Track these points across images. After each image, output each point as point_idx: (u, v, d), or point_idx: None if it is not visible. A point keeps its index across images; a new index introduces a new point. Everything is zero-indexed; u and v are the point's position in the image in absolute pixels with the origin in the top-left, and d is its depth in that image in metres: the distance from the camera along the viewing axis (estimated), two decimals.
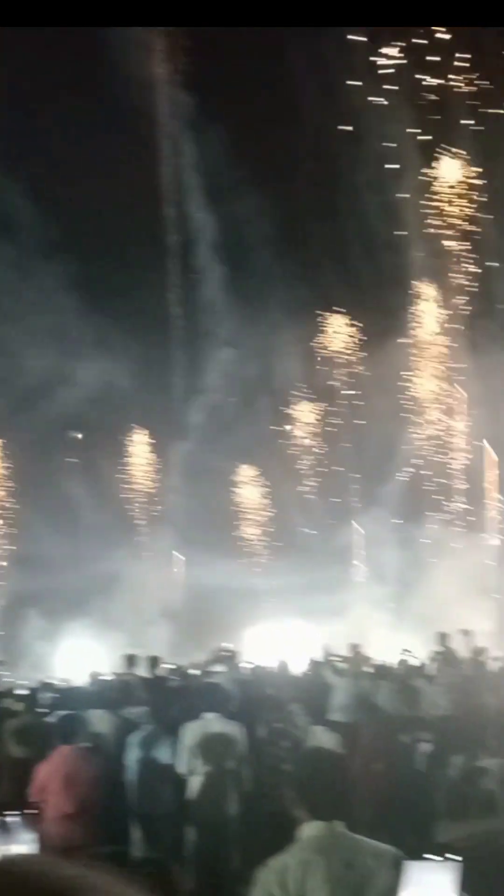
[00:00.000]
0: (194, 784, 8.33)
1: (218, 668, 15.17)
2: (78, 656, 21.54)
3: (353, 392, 31.78)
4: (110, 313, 28.02)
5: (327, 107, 27.59)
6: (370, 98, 28.41)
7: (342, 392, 32.07)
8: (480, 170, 29.69)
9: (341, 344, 31.65)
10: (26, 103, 28.60)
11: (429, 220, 30.09)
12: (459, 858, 2.32)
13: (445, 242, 30.35)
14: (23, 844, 3.71)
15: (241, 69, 29.39)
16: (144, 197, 30.94)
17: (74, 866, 1.01)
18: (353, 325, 31.39)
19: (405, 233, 29.43)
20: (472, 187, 30.09)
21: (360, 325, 31.13)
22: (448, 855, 2.33)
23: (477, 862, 9.48)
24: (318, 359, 31.59)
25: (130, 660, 15.23)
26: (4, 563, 31.00)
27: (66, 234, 29.06)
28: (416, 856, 2.33)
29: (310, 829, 3.59)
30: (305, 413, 32.34)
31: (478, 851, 10.05)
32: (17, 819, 3.88)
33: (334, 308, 31.08)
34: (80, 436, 32.08)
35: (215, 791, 8.19)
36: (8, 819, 3.86)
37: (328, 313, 31.32)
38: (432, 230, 30.19)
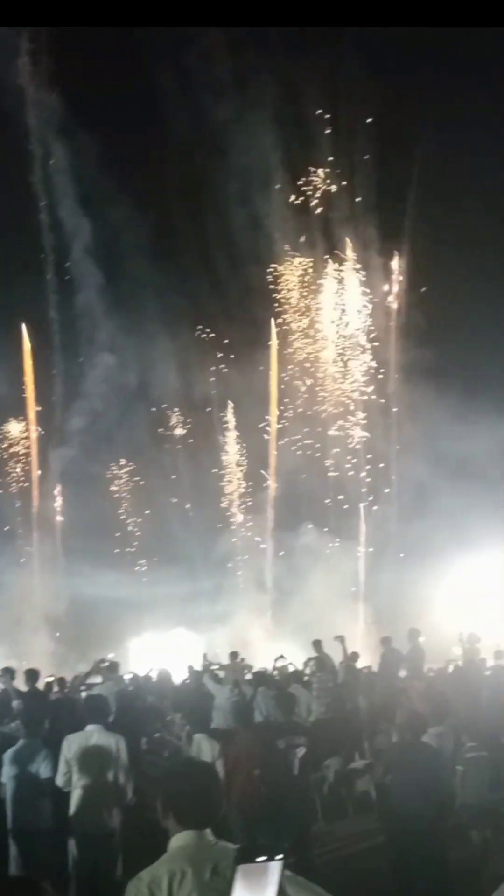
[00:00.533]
0: (73, 798, 8.35)
1: (99, 679, 15.13)
2: None
3: (225, 401, 32.28)
4: None
5: (194, 119, 28.04)
6: (236, 113, 28.98)
7: (215, 401, 32.54)
8: (343, 184, 30.62)
9: (213, 353, 32.09)
10: None
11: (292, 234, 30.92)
12: (280, 857, 2.51)
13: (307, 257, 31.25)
14: None
15: (111, 76, 29.49)
16: (18, 201, 30.75)
17: None
18: (222, 336, 31.86)
19: (269, 244, 30.21)
20: (332, 201, 31.03)
21: (229, 335, 31.63)
22: (277, 856, 2.50)
23: (353, 859, 9.82)
24: (192, 368, 31.90)
25: (8, 673, 15.03)
26: None
27: None
28: (249, 858, 2.49)
29: (178, 839, 3.68)
30: (182, 422, 32.58)
31: (352, 849, 10.42)
32: None
33: (204, 318, 31.47)
34: None
35: (94, 804, 8.21)
36: None
37: (200, 324, 31.71)
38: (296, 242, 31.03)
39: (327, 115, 29.71)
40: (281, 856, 2.47)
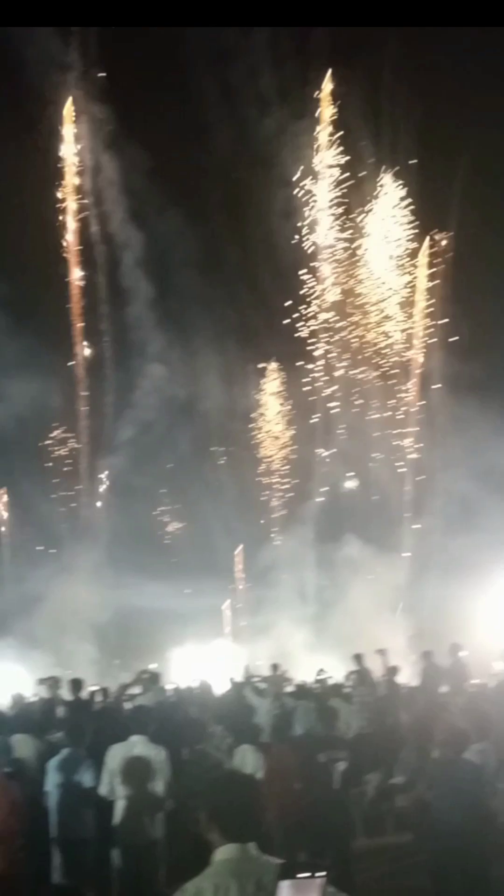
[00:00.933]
0: (116, 808, 8.44)
1: (141, 689, 15.23)
2: (1, 678, 21.30)
3: (270, 414, 32.43)
4: (37, 331, 28.02)
5: (237, 131, 28.24)
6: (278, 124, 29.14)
7: (260, 414, 32.70)
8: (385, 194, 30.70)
9: (259, 367, 32.31)
10: None
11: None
12: (322, 874, 2.54)
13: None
14: None
15: (158, 89, 29.82)
16: (69, 214, 31.19)
17: None
18: (268, 350, 32.06)
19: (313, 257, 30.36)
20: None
21: (275, 349, 31.81)
22: (319, 873, 2.54)
23: (393, 875, 9.82)
24: (238, 382, 32.09)
25: (54, 682, 15.22)
26: None
27: None
28: (291, 875, 2.52)
29: (223, 853, 3.69)
30: (227, 435, 32.75)
31: (393, 865, 10.41)
32: None
33: (250, 332, 31.63)
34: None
35: (137, 815, 8.30)
36: None
37: (247, 337, 31.86)
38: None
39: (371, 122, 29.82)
40: (323, 873, 2.51)
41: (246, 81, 27.88)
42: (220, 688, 16.65)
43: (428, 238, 30.79)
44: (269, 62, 28.13)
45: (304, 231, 30.89)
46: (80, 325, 31.81)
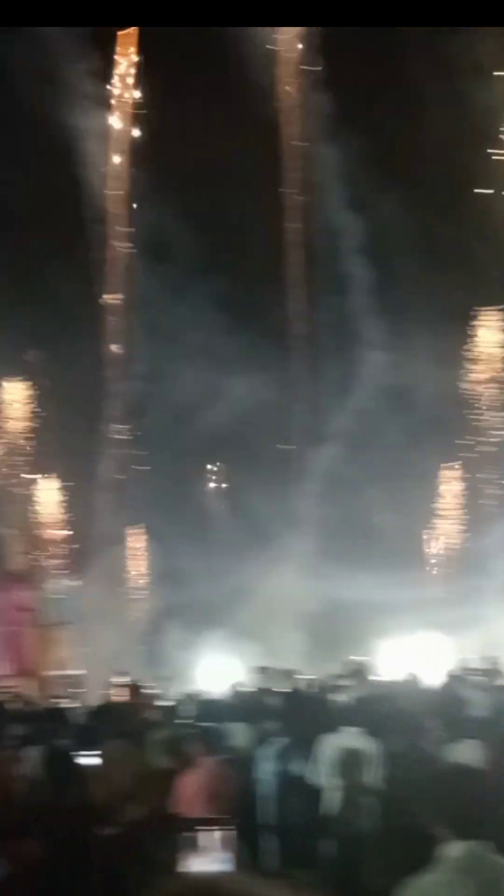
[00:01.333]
0: (329, 798, 8.41)
1: (351, 681, 15.17)
2: (216, 668, 21.88)
3: (491, 397, 31.51)
4: (254, 327, 28.46)
5: (450, 110, 27.46)
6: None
7: (480, 399, 31.83)
8: None
9: (490, 348, 31.40)
10: (171, 119, 29.48)
11: None
12: None
13: None
14: (217, 862, 3.54)
15: (372, 74, 29.57)
16: (288, 207, 31.56)
17: (278, 888, 1.00)
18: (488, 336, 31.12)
19: None
20: None
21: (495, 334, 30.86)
22: None
23: None
24: (460, 366, 31.33)
25: (264, 672, 15.44)
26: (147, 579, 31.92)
27: (214, 250, 29.66)
28: None
29: (455, 849, 3.53)
30: (444, 422, 32.06)
31: None
32: (211, 836, 3.69)
33: (475, 312, 30.73)
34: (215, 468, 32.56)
35: (350, 806, 8.23)
36: (201, 836, 3.66)
37: (474, 317, 30.99)
38: None
39: None
40: None
41: (462, 54, 27.02)
42: (431, 680, 16.32)
43: None
44: (484, 33, 27.16)
45: None
46: (295, 321, 31.94)
